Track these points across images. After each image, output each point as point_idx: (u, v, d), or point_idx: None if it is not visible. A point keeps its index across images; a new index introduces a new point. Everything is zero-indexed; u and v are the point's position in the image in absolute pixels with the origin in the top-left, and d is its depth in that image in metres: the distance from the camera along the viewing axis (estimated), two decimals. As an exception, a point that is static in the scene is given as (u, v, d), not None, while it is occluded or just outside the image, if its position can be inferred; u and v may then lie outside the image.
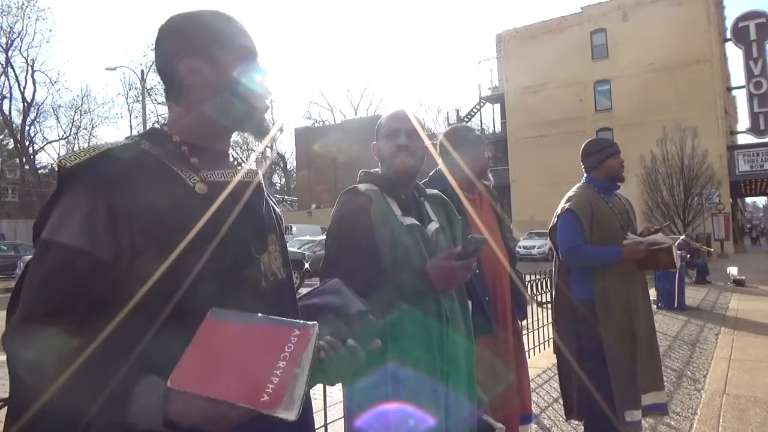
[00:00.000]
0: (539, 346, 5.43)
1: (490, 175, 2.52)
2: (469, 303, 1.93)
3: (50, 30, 53.34)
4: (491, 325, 2.19)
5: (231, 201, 0.99)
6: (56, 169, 0.94)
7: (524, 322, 2.93)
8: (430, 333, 1.55)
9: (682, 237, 3.27)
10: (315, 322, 0.84)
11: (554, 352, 3.10)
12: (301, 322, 0.84)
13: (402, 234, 1.59)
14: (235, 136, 1.16)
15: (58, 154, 36.50)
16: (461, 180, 2.36)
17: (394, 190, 1.68)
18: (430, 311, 1.57)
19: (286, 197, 47.49)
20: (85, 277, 0.87)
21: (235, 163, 1.10)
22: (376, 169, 1.78)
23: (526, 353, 3.42)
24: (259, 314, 0.86)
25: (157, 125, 1.06)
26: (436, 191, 1.83)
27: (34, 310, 0.86)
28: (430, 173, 2.43)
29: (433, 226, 1.70)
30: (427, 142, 1.73)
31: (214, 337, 0.81)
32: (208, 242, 0.91)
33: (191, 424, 0.78)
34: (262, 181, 1.10)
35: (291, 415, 0.74)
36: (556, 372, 3.22)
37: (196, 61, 1.00)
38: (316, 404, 3.10)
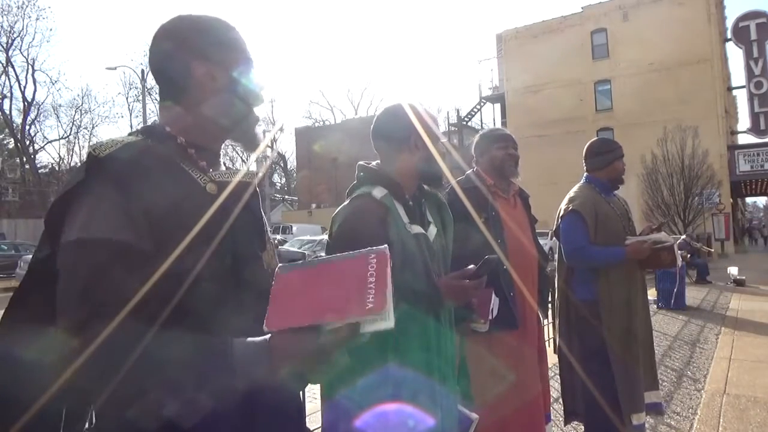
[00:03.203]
0: (539, 346, 5.43)
1: (517, 170, 2.50)
2: (496, 298, 1.95)
3: (50, 29, 53.59)
4: (515, 319, 2.23)
5: (238, 201, 1.01)
6: (87, 156, 0.91)
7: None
8: (429, 334, 1.55)
9: (683, 237, 3.28)
10: (385, 245, 0.88)
11: (554, 352, 3.11)
12: (371, 249, 0.87)
13: (410, 244, 1.54)
14: None
15: (59, 153, 36.55)
16: (495, 180, 2.45)
17: (402, 195, 1.62)
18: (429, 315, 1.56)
19: (286, 197, 47.46)
20: (136, 271, 0.86)
21: (225, 164, 1.13)
22: (375, 162, 1.70)
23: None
24: (324, 256, 0.90)
25: (155, 125, 1.05)
26: (434, 191, 1.80)
27: (91, 314, 0.82)
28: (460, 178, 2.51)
29: (432, 230, 1.67)
30: (428, 142, 1.67)
31: (292, 284, 0.84)
32: (223, 241, 0.93)
33: (296, 364, 0.81)
34: (256, 183, 1.11)
35: (390, 323, 0.79)
36: (558, 372, 3.22)
37: (209, 65, 1.02)
38: (316, 404, 3.09)
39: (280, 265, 0.89)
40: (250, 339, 0.84)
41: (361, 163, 1.71)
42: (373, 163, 1.70)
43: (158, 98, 1.10)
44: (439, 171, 1.67)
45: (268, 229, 1.16)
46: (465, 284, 1.51)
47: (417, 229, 1.59)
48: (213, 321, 0.91)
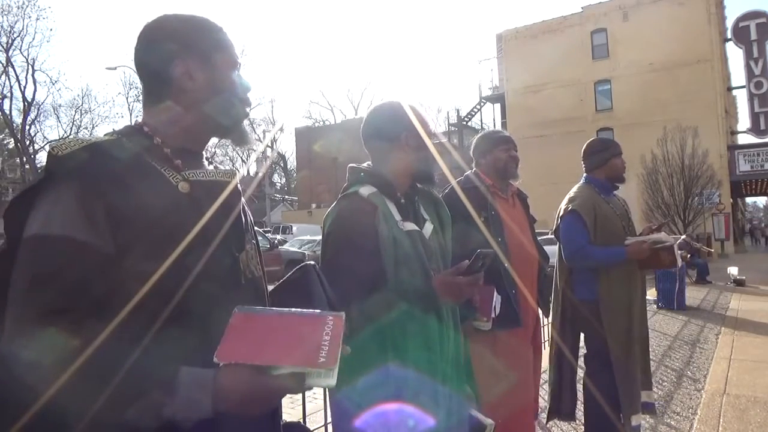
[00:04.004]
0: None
1: (518, 172, 2.53)
2: (498, 296, 1.95)
3: (51, 29, 53.55)
4: (518, 317, 2.25)
5: (212, 201, 0.99)
6: (47, 156, 0.90)
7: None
8: (431, 334, 1.53)
9: (683, 237, 3.27)
10: (343, 312, 0.92)
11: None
12: (330, 311, 0.93)
13: (403, 242, 1.53)
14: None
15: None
16: (494, 181, 2.47)
17: (393, 193, 1.60)
18: (431, 315, 1.55)
19: (286, 197, 47.46)
20: (90, 270, 0.85)
21: (211, 164, 1.11)
22: (366, 164, 1.69)
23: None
24: (286, 309, 0.92)
25: (135, 124, 1.04)
26: (428, 189, 1.76)
27: (39, 310, 0.82)
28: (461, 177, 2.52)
29: (428, 227, 1.65)
30: (422, 140, 1.64)
31: (249, 325, 0.86)
32: (191, 241, 0.91)
33: (237, 402, 0.81)
34: (239, 183, 1.10)
35: (333, 381, 0.84)
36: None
37: (192, 64, 1.01)
38: (316, 404, 3.10)
39: (238, 306, 0.89)
40: (197, 370, 0.83)
41: (351, 165, 1.70)
42: (365, 164, 1.70)
43: (142, 97, 1.08)
44: (431, 169, 1.65)
45: (253, 231, 1.14)
46: (459, 281, 1.48)
47: (410, 226, 1.57)
48: (177, 324, 0.88)
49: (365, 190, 1.57)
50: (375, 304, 1.43)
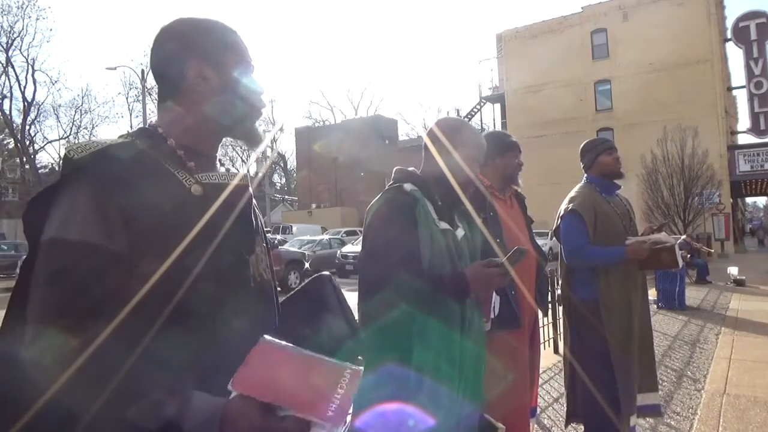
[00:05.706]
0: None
1: (520, 180, 2.60)
2: (497, 297, 1.98)
3: (50, 29, 53.63)
4: (518, 318, 2.26)
5: (224, 203, 1.00)
6: (62, 159, 0.91)
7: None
8: (453, 345, 1.58)
9: (684, 237, 3.27)
10: (362, 367, 0.91)
11: (554, 352, 3.10)
12: (349, 364, 0.91)
13: (438, 237, 1.63)
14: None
15: (59, 153, 36.45)
16: (493, 182, 2.50)
17: (432, 194, 1.71)
18: (455, 321, 1.60)
19: (286, 197, 47.46)
20: (105, 274, 0.85)
21: (223, 166, 1.12)
22: (412, 168, 1.80)
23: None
24: (309, 351, 0.90)
25: (149, 125, 1.05)
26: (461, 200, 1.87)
27: (58, 313, 0.82)
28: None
29: (460, 232, 1.75)
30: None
31: (270, 358, 0.85)
32: (203, 244, 0.92)
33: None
34: (250, 186, 1.10)
35: None
36: (557, 372, 3.22)
37: (204, 65, 1.02)
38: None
39: (265, 336, 0.88)
40: (210, 398, 0.83)
41: (397, 167, 1.83)
42: (410, 168, 1.82)
43: (157, 99, 1.09)
44: (471, 177, 1.76)
45: (263, 233, 1.14)
46: (491, 271, 1.57)
47: (444, 225, 1.68)
48: (187, 326, 0.89)
49: (408, 186, 1.71)
50: (410, 301, 1.50)
